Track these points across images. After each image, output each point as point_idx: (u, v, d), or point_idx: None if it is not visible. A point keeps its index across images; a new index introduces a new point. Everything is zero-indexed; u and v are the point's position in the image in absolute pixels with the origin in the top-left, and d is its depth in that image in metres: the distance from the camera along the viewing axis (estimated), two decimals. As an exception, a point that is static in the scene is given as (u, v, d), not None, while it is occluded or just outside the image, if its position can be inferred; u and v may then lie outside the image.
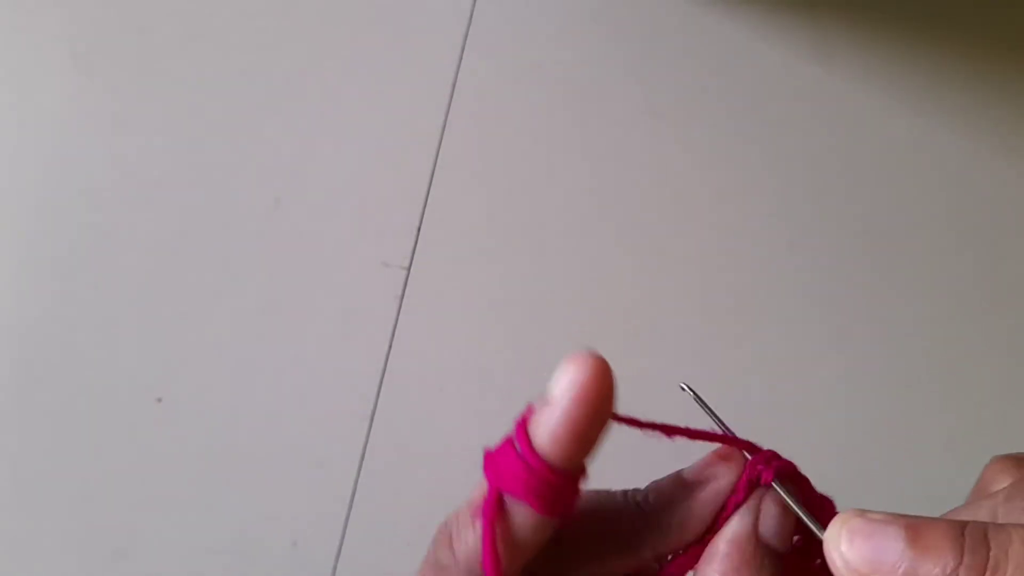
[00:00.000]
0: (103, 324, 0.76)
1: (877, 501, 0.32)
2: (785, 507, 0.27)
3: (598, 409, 0.25)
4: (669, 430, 0.29)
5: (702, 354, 0.76)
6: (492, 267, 0.79)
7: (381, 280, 0.77)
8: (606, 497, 0.29)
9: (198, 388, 0.75)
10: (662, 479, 0.29)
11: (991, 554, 0.21)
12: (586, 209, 0.81)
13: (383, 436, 0.75)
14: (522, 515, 0.25)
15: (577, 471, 0.26)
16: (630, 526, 0.27)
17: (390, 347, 0.76)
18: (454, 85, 0.82)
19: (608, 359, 0.27)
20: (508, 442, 0.26)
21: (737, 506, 0.27)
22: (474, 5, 0.84)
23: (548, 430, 0.25)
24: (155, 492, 0.74)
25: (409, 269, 0.78)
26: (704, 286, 0.80)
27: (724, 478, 0.28)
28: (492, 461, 0.26)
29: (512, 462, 0.25)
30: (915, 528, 0.22)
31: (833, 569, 0.24)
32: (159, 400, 0.75)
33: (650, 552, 0.28)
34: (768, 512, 0.27)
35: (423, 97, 0.82)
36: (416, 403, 0.76)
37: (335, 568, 0.73)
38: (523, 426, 0.26)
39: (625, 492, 0.29)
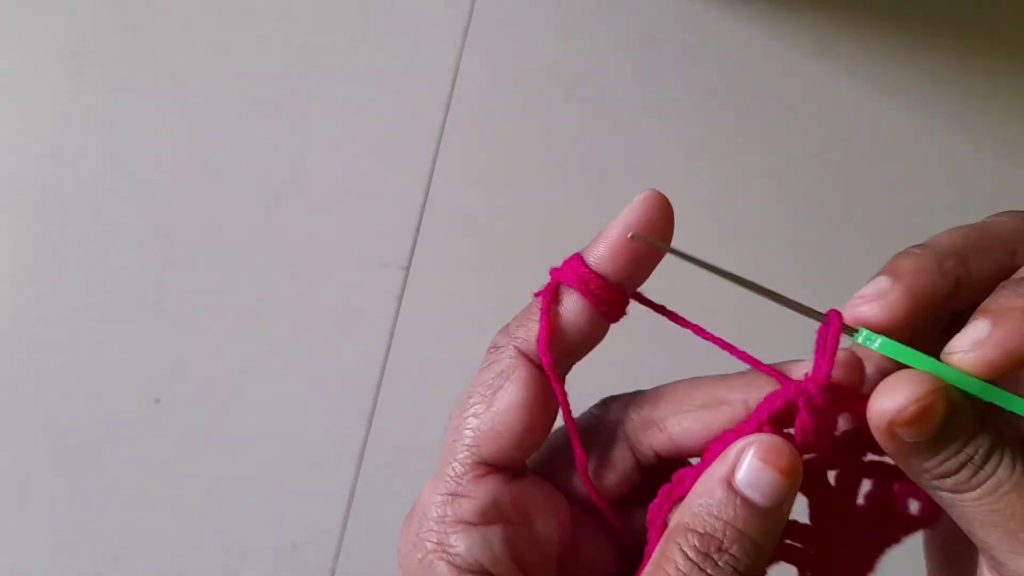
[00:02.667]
0: (103, 324, 0.76)
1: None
2: (774, 464, 0.27)
3: (652, 226, 0.30)
4: (699, 331, 0.32)
5: (702, 353, 0.76)
6: (491, 267, 0.79)
7: (380, 280, 0.77)
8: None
9: (198, 388, 0.75)
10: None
11: None
12: (585, 208, 0.81)
13: (382, 436, 0.75)
14: (575, 303, 0.30)
15: (627, 283, 0.30)
16: (725, 386, 0.31)
17: (389, 347, 0.76)
18: (454, 85, 0.82)
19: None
20: (574, 255, 0.31)
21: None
22: (474, 5, 0.84)
23: (606, 239, 0.31)
24: (155, 492, 0.74)
25: (408, 269, 0.78)
26: (704, 282, 0.80)
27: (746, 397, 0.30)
28: (557, 268, 0.31)
29: (574, 263, 0.30)
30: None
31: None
32: (158, 400, 0.75)
33: (743, 403, 0.30)
34: (750, 463, 0.27)
35: (423, 97, 0.82)
36: (415, 403, 0.76)
37: (334, 568, 0.73)
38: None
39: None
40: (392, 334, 0.76)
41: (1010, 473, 0.26)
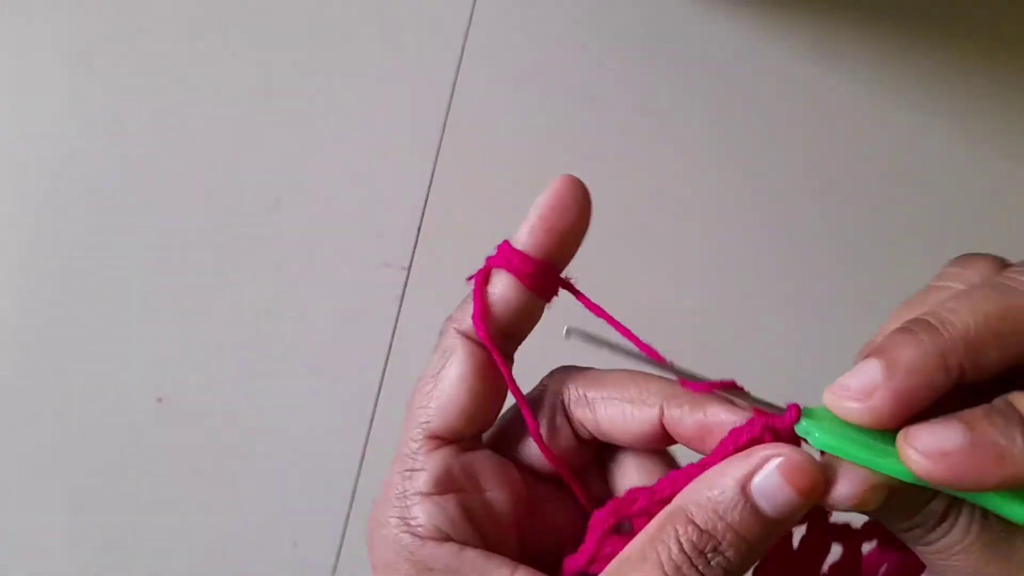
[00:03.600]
0: (103, 324, 0.76)
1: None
2: (794, 480, 0.27)
3: (565, 206, 0.33)
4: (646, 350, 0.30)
5: (702, 352, 0.76)
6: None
7: (381, 280, 0.77)
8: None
9: (198, 388, 0.75)
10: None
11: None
12: (586, 209, 0.81)
13: (383, 436, 0.75)
14: (504, 280, 0.32)
15: (554, 259, 0.32)
16: (655, 387, 0.31)
17: (390, 347, 0.76)
18: (454, 85, 0.82)
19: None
20: (503, 242, 0.33)
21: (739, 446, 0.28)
22: (474, 6, 0.84)
23: (526, 223, 0.33)
24: (155, 492, 0.74)
25: (409, 269, 0.78)
26: (704, 284, 0.80)
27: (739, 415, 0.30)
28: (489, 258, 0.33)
29: (502, 247, 0.33)
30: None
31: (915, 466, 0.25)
32: (159, 400, 0.75)
33: (658, 409, 0.30)
34: (770, 474, 0.27)
35: (423, 98, 0.82)
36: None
37: (335, 568, 0.73)
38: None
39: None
40: (393, 334, 0.76)
41: (963, 535, 0.26)
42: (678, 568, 0.26)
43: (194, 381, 0.75)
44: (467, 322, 0.32)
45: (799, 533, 0.31)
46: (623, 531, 0.29)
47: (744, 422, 0.28)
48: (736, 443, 0.28)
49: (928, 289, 0.29)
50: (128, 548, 0.73)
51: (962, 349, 0.25)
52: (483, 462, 0.32)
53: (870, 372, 0.26)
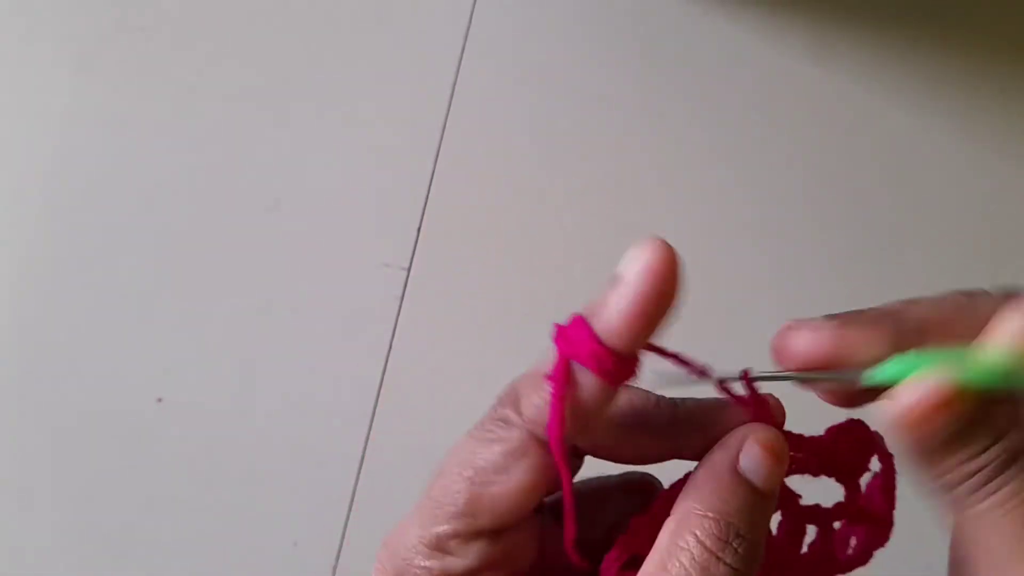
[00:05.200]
0: (105, 323, 0.76)
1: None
2: (772, 450, 0.28)
3: (666, 291, 0.27)
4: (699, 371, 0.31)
5: (702, 352, 0.76)
6: (492, 267, 0.79)
7: (381, 281, 0.77)
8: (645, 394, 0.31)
9: (198, 388, 0.75)
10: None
11: None
12: (586, 208, 0.81)
13: (383, 436, 0.75)
14: (589, 382, 0.27)
15: (640, 347, 0.28)
16: (668, 415, 0.30)
17: (390, 347, 0.76)
18: (454, 85, 0.82)
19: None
20: (579, 318, 0.28)
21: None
22: (474, 5, 0.84)
23: (619, 309, 0.27)
24: (155, 492, 0.74)
25: (409, 270, 0.78)
26: (704, 285, 0.80)
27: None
28: (563, 333, 0.28)
29: (583, 334, 0.27)
30: None
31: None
32: (159, 400, 0.75)
33: (664, 436, 0.30)
34: (751, 448, 0.28)
35: (423, 97, 0.82)
36: (416, 403, 0.76)
37: (335, 568, 0.73)
38: (593, 308, 0.28)
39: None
40: (393, 334, 0.76)
41: None
42: (705, 569, 0.26)
43: (194, 381, 0.75)
44: (539, 425, 0.28)
45: (774, 522, 0.31)
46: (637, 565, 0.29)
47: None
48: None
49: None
50: (128, 548, 0.73)
51: (910, 331, 0.27)
52: (513, 548, 0.30)
53: (824, 319, 0.28)
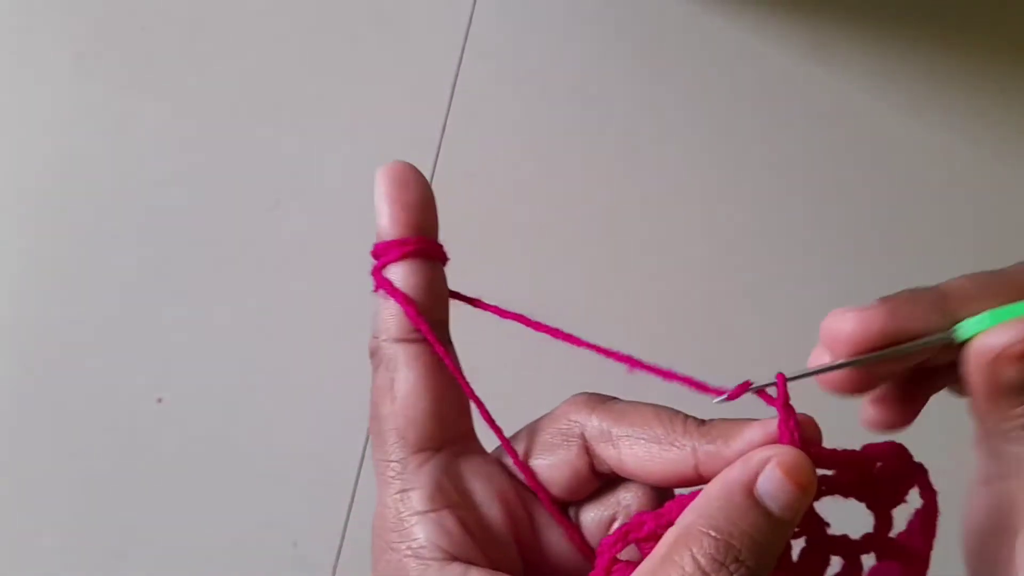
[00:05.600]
0: (105, 324, 0.76)
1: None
2: (796, 479, 0.27)
3: (405, 183, 0.33)
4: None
5: (703, 350, 0.76)
6: (492, 267, 0.78)
7: (381, 280, 0.77)
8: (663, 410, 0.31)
9: (198, 388, 0.75)
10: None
11: None
12: (586, 208, 0.81)
13: (383, 436, 0.75)
14: (402, 269, 0.33)
15: (423, 230, 0.33)
16: (683, 426, 0.30)
17: (390, 347, 0.76)
18: (454, 85, 0.82)
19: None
20: (375, 248, 0.34)
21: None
22: (474, 5, 0.84)
23: (382, 216, 0.33)
24: (155, 492, 0.74)
25: (409, 269, 0.78)
26: (705, 284, 0.80)
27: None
28: (376, 270, 0.34)
29: (376, 249, 0.33)
30: None
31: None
32: (159, 400, 0.75)
33: (688, 456, 0.29)
34: (771, 472, 0.27)
35: (423, 97, 0.82)
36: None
37: (335, 568, 0.73)
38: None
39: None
40: (393, 334, 0.76)
41: None
42: None
43: (194, 381, 0.75)
44: (392, 329, 0.32)
45: (798, 547, 0.30)
46: (632, 557, 0.29)
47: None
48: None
49: None
50: (128, 548, 0.73)
51: (955, 300, 0.28)
52: (472, 474, 0.31)
53: (867, 304, 0.28)
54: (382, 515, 0.30)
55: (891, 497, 0.30)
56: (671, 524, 0.27)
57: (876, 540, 0.30)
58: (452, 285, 0.34)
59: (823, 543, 0.30)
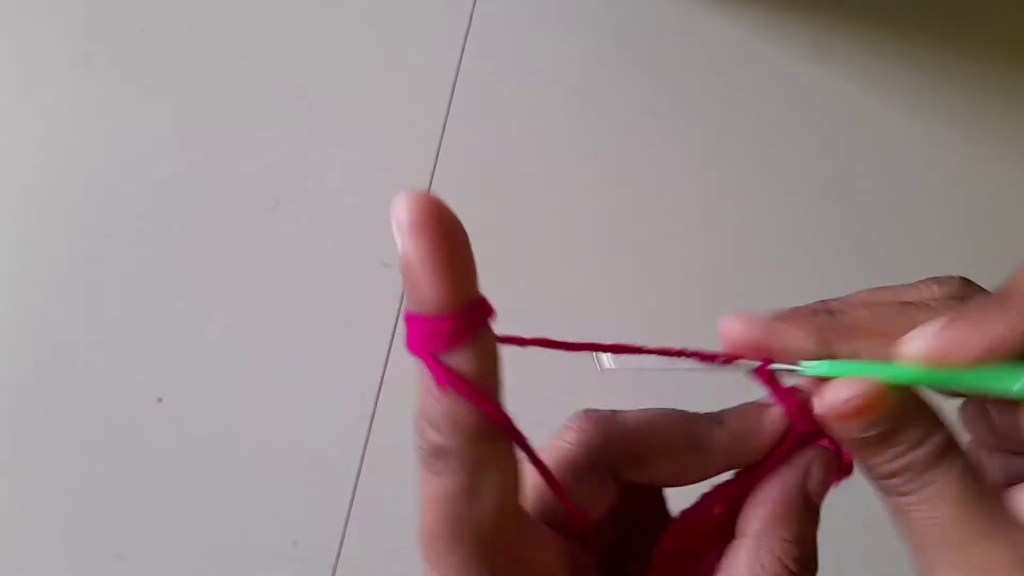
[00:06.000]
0: (105, 323, 0.76)
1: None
2: (830, 472, 0.29)
3: (437, 233, 0.26)
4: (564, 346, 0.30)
5: (704, 348, 0.76)
6: (492, 267, 0.78)
7: (381, 280, 0.77)
8: (683, 414, 0.31)
9: (198, 388, 0.75)
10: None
11: None
12: (586, 208, 0.81)
13: (383, 436, 0.75)
14: (461, 354, 0.26)
15: (464, 287, 0.26)
16: (706, 429, 0.30)
17: (390, 347, 0.76)
18: (454, 85, 0.82)
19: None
20: (408, 318, 0.26)
21: (790, 450, 0.30)
22: (474, 5, 0.84)
23: (415, 283, 0.25)
24: (155, 492, 0.74)
25: (409, 269, 0.78)
26: (705, 284, 0.80)
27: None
28: (411, 342, 0.27)
29: (416, 325, 0.26)
30: None
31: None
32: (159, 400, 0.75)
33: (720, 457, 0.30)
34: (816, 473, 0.29)
35: (423, 97, 0.82)
36: (416, 403, 0.76)
37: (335, 568, 0.73)
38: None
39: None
40: (393, 334, 0.76)
41: (954, 478, 0.27)
42: None
43: (194, 381, 0.75)
44: (464, 430, 0.26)
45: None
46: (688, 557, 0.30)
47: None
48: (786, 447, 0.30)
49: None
50: (127, 548, 0.73)
51: (839, 333, 0.28)
52: (535, 548, 0.28)
53: (770, 312, 0.30)
54: None
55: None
56: (717, 516, 0.29)
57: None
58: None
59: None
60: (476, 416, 0.26)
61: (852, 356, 0.28)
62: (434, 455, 0.27)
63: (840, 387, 0.27)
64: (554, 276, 0.79)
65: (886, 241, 0.83)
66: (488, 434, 0.27)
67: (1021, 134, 0.85)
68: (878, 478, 0.28)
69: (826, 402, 0.27)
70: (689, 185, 0.83)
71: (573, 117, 0.83)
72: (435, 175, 0.80)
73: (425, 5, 0.84)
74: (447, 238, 0.26)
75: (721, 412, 0.31)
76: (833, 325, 0.29)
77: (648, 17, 0.85)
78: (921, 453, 0.27)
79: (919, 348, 0.27)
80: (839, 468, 0.31)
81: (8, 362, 0.75)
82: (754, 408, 0.31)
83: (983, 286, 0.31)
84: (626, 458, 0.30)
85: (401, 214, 0.25)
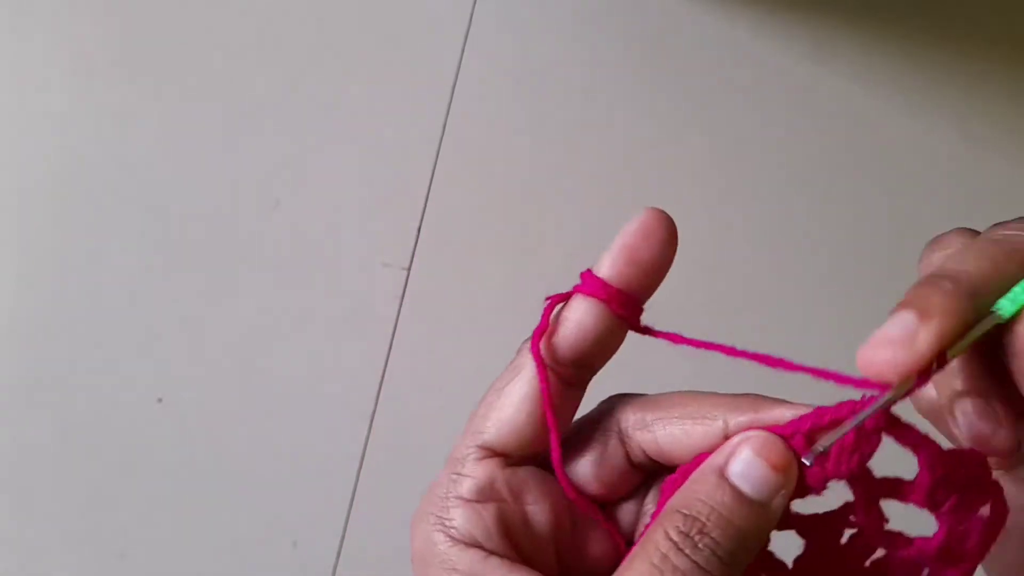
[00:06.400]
0: (105, 323, 0.76)
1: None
2: (767, 458, 0.28)
3: (651, 239, 0.31)
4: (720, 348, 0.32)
5: (703, 350, 0.76)
6: (492, 267, 0.79)
7: (381, 280, 0.77)
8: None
9: (198, 388, 0.75)
10: None
11: None
12: (586, 208, 0.81)
13: (383, 436, 0.75)
14: (585, 305, 0.32)
15: (635, 290, 0.32)
16: (712, 401, 0.31)
17: (390, 347, 0.77)
18: (454, 85, 0.82)
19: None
20: (586, 272, 0.32)
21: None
22: (474, 5, 0.84)
23: (609, 254, 0.32)
24: (155, 492, 0.74)
25: (409, 269, 0.78)
26: (705, 284, 0.80)
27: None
28: (583, 283, 0.32)
29: (584, 277, 0.32)
30: None
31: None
32: (159, 400, 0.75)
33: (722, 422, 0.30)
34: (742, 454, 0.28)
35: (423, 97, 0.82)
36: (416, 403, 0.76)
37: (335, 568, 0.73)
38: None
39: None
40: (393, 334, 0.76)
41: None
42: (665, 557, 0.27)
43: (194, 381, 0.75)
44: (541, 342, 0.32)
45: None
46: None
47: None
48: (816, 421, 0.28)
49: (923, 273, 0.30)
50: (128, 548, 0.73)
51: (983, 289, 0.26)
52: (528, 477, 0.32)
53: (906, 321, 0.26)
54: (433, 489, 0.32)
55: (963, 508, 0.28)
56: None
57: (939, 547, 0.29)
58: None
59: (877, 535, 0.30)
60: (547, 340, 0.32)
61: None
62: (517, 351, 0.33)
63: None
64: (554, 274, 0.79)
65: (886, 241, 0.83)
66: (544, 356, 0.32)
67: (1021, 134, 0.85)
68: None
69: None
70: (689, 185, 0.83)
71: (573, 117, 0.83)
72: (435, 175, 0.80)
73: (425, 5, 0.84)
74: (648, 234, 0.32)
75: (740, 394, 0.31)
76: (973, 288, 0.26)
77: (648, 17, 0.85)
78: None
79: None
80: (954, 561, 0.28)
81: (8, 362, 0.75)
82: (770, 400, 0.30)
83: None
84: (634, 423, 0.32)
85: (649, 214, 0.32)
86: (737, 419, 0.30)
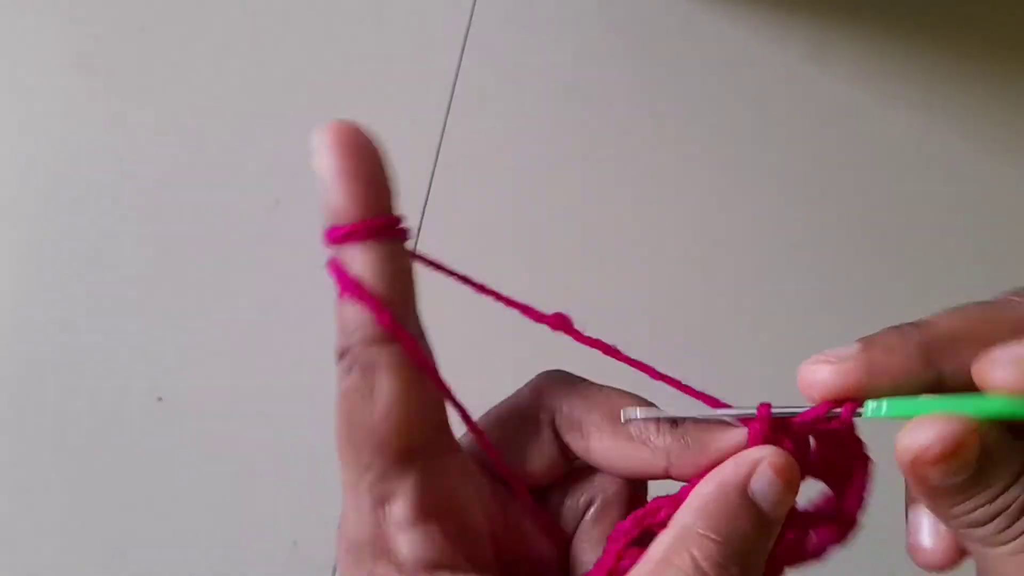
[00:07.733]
0: (105, 322, 0.76)
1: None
2: (786, 478, 0.27)
3: (352, 150, 0.29)
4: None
5: (703, 351, 0.76)
6: (492, 267, 0.78)
7: (381, 280, 0.77)
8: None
9: (198, 388, 0.75)
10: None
11: None
12: (586, 208, 0.81)
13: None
14: (355, 255, 0.29)
15: (377, 203, 0.29)
16: (655, 427, 0.29)
17: (390, 347, 0.76)
18: (454, 85, 0.82)
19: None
20: (327, 232, 0.29)
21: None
22: (474, 5, 0.84)
23: (327, 193, 0.29)
24: (155, 491, 0.74)
25: (409, 269, 0.78)
26: (705, 284, 0.80)
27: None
28: (330, 263, 0.30)
29: (330, 236, 0.29)
30: None
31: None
32: (159, 399, 0.75)
33: (659, 457, 0.29)
34: (764, 472, 0.27)
35: (423, 97, 0.82)
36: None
37: (335, 568, 0.73)
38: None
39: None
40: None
41: None
42: None
43: (194, 381, 0.75)
44: (367, 330, 0.28)
45: None
46: (645, 543, 0.29)
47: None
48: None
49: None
50: (127, 548, 0.73)
51: (946, 345, 0.26)
52: (451, 474, 0.29)
53: (848, 346, 0.27)
54: (355, 529, 0.29)
55: (845, 474, 0.30)
56: None
57: (828, 510, 0.30)
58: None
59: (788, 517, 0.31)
60: (368, 319, 0.28)
61: (959, 370, 0.25)
62: (338, 355, 0.30)
63: (919, 428, 0.24)
64: (551, 274, 0.79)
65: (886, 241, 0.83)
66: (380, 338, 0.28)
67: (1021, 134, 0.85)
68: (962, 527, 0.25)
69: (903, 447, 0.24)
70: (690, 185, 0.83)
71: (573, 117, 0.83)
72: (435, 175, 0.80)
73: (425, 5, 0.84)
74: (357, 153, 0.29)
75: (682, 420, 0.29)
76: (933, 338, 0.26)
77: (648, 17, 0.85)
78: (1011, 499, 0.24)
79: (1015, 375, 0.23)
80: (841, 522, 0.30)
81: (8, 361, 0.75)
82: (712, 428, 0.29)
83: (982, 287, 0.30)
84: (568, 422, 0.30)
85: (318, 138, 0.29)
86: (680, 450, 0.28)
